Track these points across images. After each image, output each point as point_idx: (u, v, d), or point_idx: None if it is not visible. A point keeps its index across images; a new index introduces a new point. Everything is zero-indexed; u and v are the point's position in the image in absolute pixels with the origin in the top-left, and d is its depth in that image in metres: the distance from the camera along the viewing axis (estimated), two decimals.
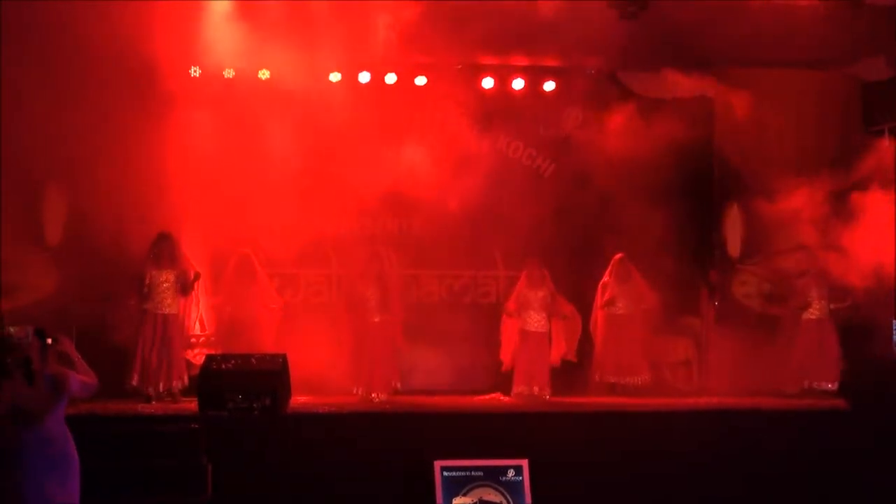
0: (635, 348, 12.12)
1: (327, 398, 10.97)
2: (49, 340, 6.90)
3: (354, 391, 11.24)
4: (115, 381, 10.13)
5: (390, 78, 12.58)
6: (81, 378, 6.96)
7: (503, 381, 11.82)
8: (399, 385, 11.46)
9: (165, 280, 10.92)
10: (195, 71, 11.96)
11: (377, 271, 11.47)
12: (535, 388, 11.50)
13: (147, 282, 10.86)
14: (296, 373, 10.35)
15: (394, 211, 12.51)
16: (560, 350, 11.83)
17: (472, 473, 9.23)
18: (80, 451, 6.92)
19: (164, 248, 10.98)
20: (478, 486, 9.24)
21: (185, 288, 11.03)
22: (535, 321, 11.61)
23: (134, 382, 10.74)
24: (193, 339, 11.49)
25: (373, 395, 11.16)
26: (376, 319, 11.36)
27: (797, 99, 12.65)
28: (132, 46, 10.69)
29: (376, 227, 12.58)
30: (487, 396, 11.76)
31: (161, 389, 10.75)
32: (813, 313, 11.80)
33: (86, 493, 7.01)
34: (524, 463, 9.34)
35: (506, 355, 11.80)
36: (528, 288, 11.69)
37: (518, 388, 11.58)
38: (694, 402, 11.44)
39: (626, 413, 10.60)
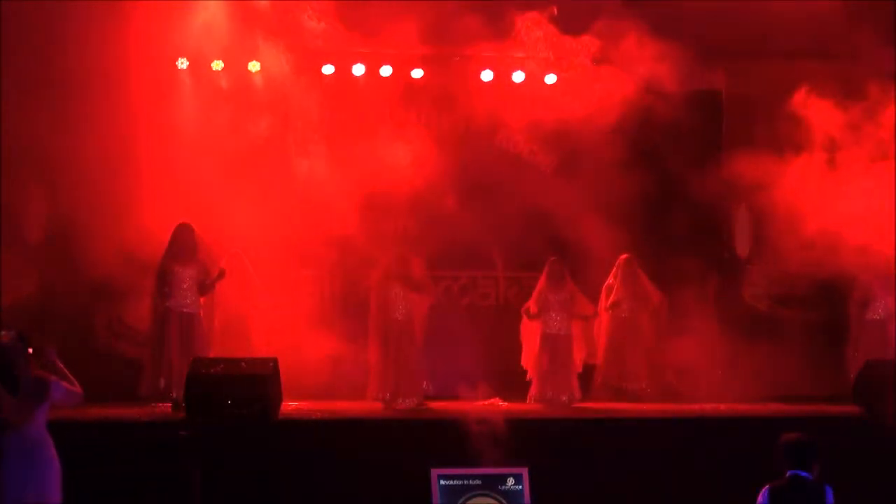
0: (640, 352, 12.05)
1: (321, 403, 10.78)
2: (30, 350, 6.91)
3: (381, 397, 11.03)
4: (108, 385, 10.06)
5: (385, 70, 12.35)
6: (66, 386, 6.95)
7: (512, 387, 11.61)
8: (430, 389, 11.25)
9: (188, 276, 10.54)
10: (182, 63, 11.74)
11: (404, 273, 11.20)
12: (551, 393, 11.35)
13: (168, 279, 10.48)
14: (287, 377, 10.13)
15: (389, 209, 12.28)
16: (581, 353, 11.65)
17: (471, 482, 8.96)
18: (64, 457, 6.90)
19: (183, 242, 10.57)
20: (476, 496, 8.97)
21: (202, 286, 10.65)
22: (555, 323, 11.42)
23: (161, 386, 10.48)
24: None
25: (401, 400, 10.96)
26: (403, 319, 11.13)
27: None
28: (116, 39, 10.49)
29: (371, 226, 12.32)
30: (486, 402, 11.49)
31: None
32: (877, 313, 11.41)
33: (70, 502, 6.96)
34: (524, 471, 9.07)
35: (527, 361, 11.62)
36: (548, 288, 11.49)
37: (536, 393, 11.43)
38: (700, 407, 11.26)
39: (629, 420, 10.48)
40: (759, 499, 6.56)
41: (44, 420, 6.90)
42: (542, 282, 11.62)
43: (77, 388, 7.03)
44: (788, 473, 6.57)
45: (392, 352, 11.04)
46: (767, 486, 6.58)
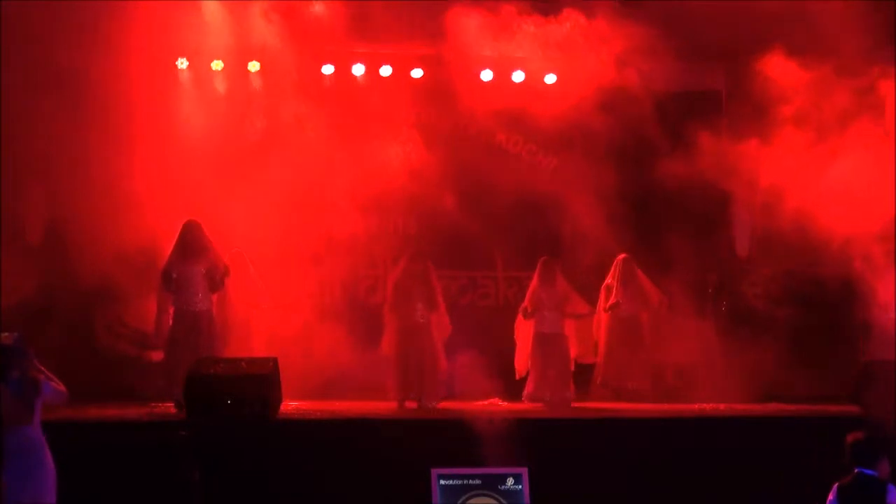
0: (639, 352, 12.00)
1: (321, 403, 10.76)
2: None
3: (401, 397, 10.98)
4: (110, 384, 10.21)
5: (385, 70, 12.35)
6: (53, 385, 7.04)
7: (511, 387, 11.58)
8: (445, 392, 11.21)
9: (197, 274, 10.38)
10: (182, 63, 11.73)
11: (422, 271, 11.14)
12: (546, 393, 11.33)
13: (175, 276, 10.34)
14: (288, 376, 10.09)
15: (388, 209, 12.27)
16: (574, 352, 11.69)
17: (470, 482, 8.93)
18: (64, 457, 6.97)
19: (191, 239, 10.41)
20: (476, 495, 8.94)
21: (213, 283, 10.49)
22: (548, 322, 11.40)
23: (161, 384, 10.39)
24: None
25: (420, 403, 10.91)
26: (422, 321, 11.07)
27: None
28: (116, 40, 10.47)
29: (371, 225, 12.32)
30: (485, 402, 11.49)
31: None
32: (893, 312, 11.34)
33: (70, 502, 7.08)
34: (524, 471, 9.05)
35: (520, 360, 11.60)
36: (541, 287, 11.49)
37: (532, 392, 11.42)
38: (699, 407, 11.20)
39: (628, 419, 10.43)
40: (830, 496, 6.86)
41: (38, 421, 6.95)
42: (534, 281, 11.61)
43: (62, 387, 7.09)
44: (855, 471, 6.85)
45: (412, 353, 10.98)
46: (836, 484, 6.88)
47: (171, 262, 10.44)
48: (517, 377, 11.63)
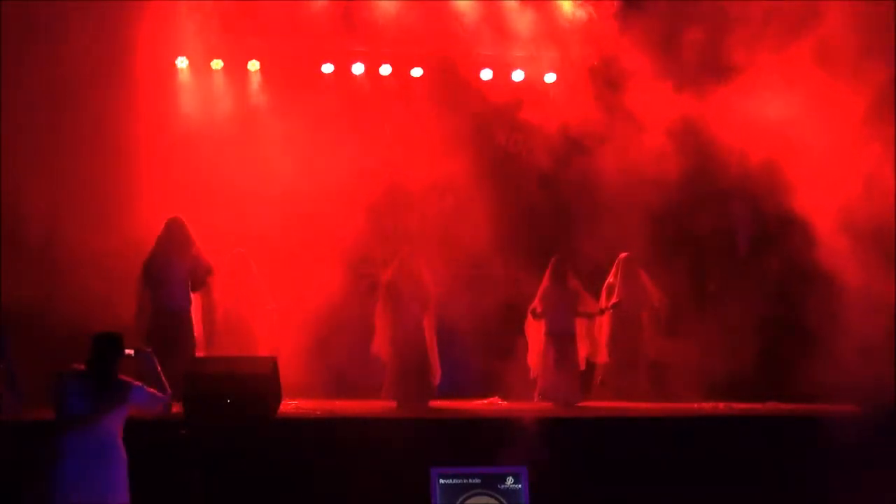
0: (641, 351, 12.02)
1: (321, 403, 10.77)
2: (131, 352, 7.10)
3: (395, 396, 10.98)
4: None
5: (385, 69, 12.36)
6: (150, 391, 7.09)
7: (511, 385, 11.56)
8: (436, 390, 11.21)
9: (179, 272, 10.34)
10: (182, 62, 11.75)
11: (415, 270, 11.16)
12: (555, 391, 11.35)
13: (155, 273, 10.30)
14: (288, 376, 10.12)
15: (388, 207, 12.27)
16: (584, 351, 11.66)
17: (470, 481, 8.94)
18: None
19: (173, 236, 10.38)
20: (476, 494, 8.95)
21: (195, 282, 10.46)
22: (559, 321, 11.40)
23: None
24: None
25: (415, 399, 10.89)
26: (415, 321, 11.08)
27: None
28: (116, 38, 10.47)
29: (370, 225, 12.32)
30: (485, 401, 11.50)
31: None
32: None
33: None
34: (523, 470, 9.07)
35: (532, 359, 11.59)
36: (552, 286, 11.48)
37: (543, 390, 11.42)
38: (699, 406, 11.20)
39: (628, 419, 10.44)
40: None
41: (119, 422, 7.02)
42: (545, 280, 11.62)
43: (160, 394, 7.16)
44: None
45: (404, 353, 11.00)
46: None
47: (151, 258, 10.38)
48: (531, 376, 11.64)
